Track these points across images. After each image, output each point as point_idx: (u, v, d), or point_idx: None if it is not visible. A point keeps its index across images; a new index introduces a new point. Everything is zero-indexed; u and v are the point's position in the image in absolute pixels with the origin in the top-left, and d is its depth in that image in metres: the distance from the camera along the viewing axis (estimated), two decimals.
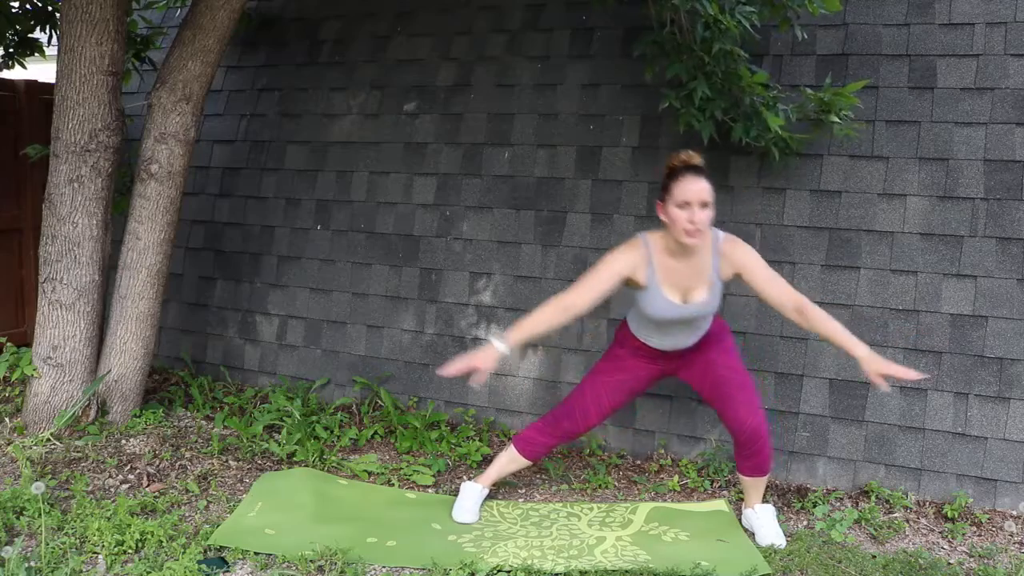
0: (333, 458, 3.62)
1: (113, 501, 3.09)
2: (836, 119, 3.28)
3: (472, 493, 3.19)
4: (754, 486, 3.09)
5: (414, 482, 3.50)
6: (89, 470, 3.37)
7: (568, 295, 2.79)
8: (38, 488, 2.66)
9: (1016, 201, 3.30)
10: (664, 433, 3.71)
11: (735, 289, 3.62)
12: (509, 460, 3.20)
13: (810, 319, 2.77)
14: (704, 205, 2.70)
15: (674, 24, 3.26)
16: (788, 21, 3.37)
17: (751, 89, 3.25)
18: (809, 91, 3.30)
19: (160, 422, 3.91)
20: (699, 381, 3.03)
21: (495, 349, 2.72)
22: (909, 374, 2.68)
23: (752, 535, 3.05)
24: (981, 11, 3.43)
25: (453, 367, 2.71)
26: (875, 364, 2.70)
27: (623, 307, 3.79)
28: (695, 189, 2.69)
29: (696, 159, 2.79)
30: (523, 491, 3.46)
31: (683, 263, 2.81)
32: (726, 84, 3.29)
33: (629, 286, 2.88)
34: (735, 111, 3.39)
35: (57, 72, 3.56)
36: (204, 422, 4.02)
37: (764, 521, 3.05)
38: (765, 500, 3.27)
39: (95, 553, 2.73)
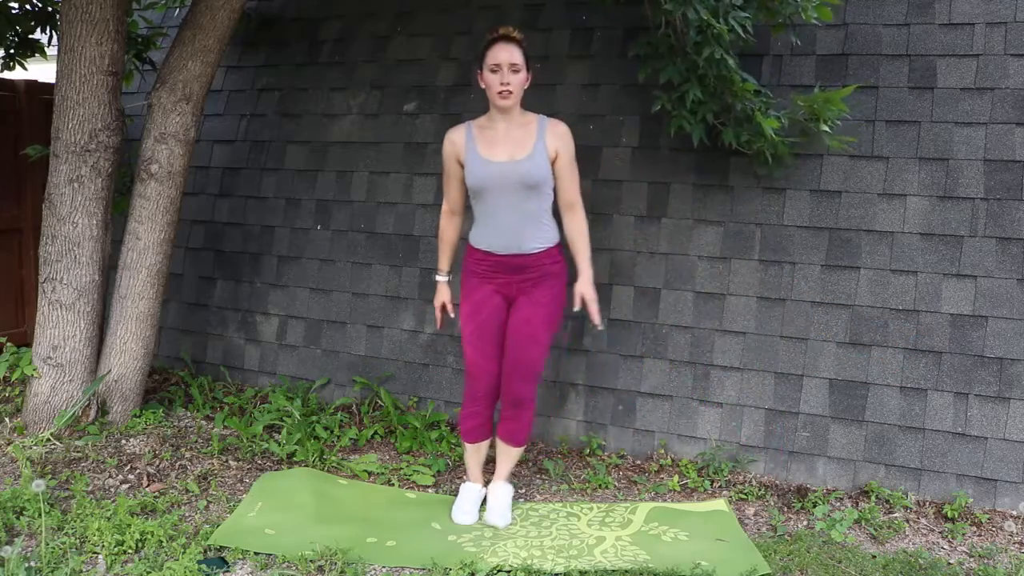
0: (333, 458, 3.62)
1: (113, 501, 3.09)
2: (826, 128, 3.28)
3: (471, 494, 3.19)
4: (505, 455, 3.18)
5: (414, 482, 3.50)
6: (89, 470, 3.37)
7: (444, 203, 3.20)
8: (38, 486, 2.66)
9: (1016, 201, 3.30)
10: (664, 433, 3.71)
11: (735, 289, 3.62)
12: (471, 453, 3.24)
13: (568, 222, 3.10)
14: (514, 68, 2.93)
15: (669, 26, 3.26)
16: (783, 26, 3.37)
17: (742, 95, 3.26)
18: (798, 98, 3.30)
19: (160, 422, 3.91)
20: (512, 328, 3.08)
21: (441, 282, 3.25)
22: (595, 317, 3.08)
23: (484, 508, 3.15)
24: (981, 11, 3.43)
25: (438, 321, 3.26)
26: (582, 287, 3.07)
27: (630, 312, 3.79)
28: (504, 55, 2.92)
29: (513, 32, 2.98)
30: (523, 491, 3.46)
31: (504, 129, 3.01)
32: (719, 88, 3.30)
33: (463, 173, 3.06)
34: (726, 115, 3.39)
35: (57, 72, 3.56)
36: (204, 422, 4.02)
37: (500, 499, 3.14)
38: (763, 500, 3.26)
39: (95, 553, 2.73)
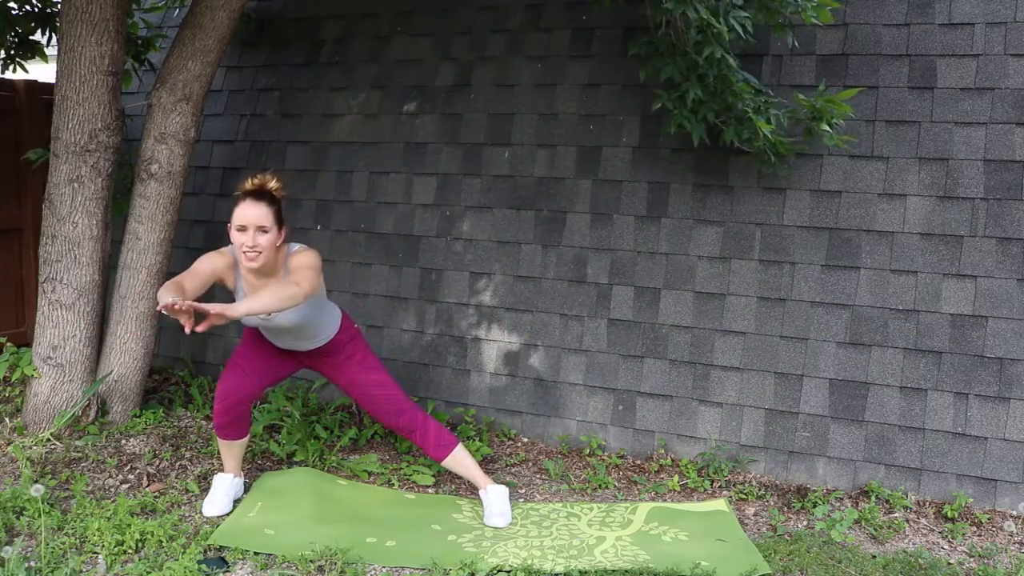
0: (333, 458, 3.62)
1: (113, 501, 3.09)
2: (827, 127, 3.28)
3: (221, 483, 3.19)
4: (460, 467, 3.21)
5: (414, 482, 3.50)
6: (89, 470, 3.37)
7: (181, 278, 2.77)
8: (37, 491, 2.66)
9: (1016, 201, 3.30)
10: (664, 433, 3.71)
11: (735, 289, 3.62)
12: (222, 447, 3.20)
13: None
14: (262, 230, 2.79)
15: (669, 26, 3.26)
16: (782, 26, 3.37)
17: (741, 95, 3.26)
18: (801, 97, 3.30)
19: (160, 422, 3.91)
20: (345, 388, 3.18)
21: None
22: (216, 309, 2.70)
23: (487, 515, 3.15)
24: (981, 11, 3.43)
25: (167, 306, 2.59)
26: (225, 307, 2.62)
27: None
28: (251, 215, 2.78)
29: (267, 182, 2.86)
30: (523, 491, 3.46)
31: (262, 280, 2.91)
32: (719, 87, 3.30)
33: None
34: (727, 114, 3.39)
35: (57, 72, 3.56)
36: (204, 422, 4.02)
37: (495, 501, 3.15)
38: (763, 500, 3.26)
39: (95, 553, 2.73)
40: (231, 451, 3.20)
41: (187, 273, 2.84)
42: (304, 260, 2.88)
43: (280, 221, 2.87)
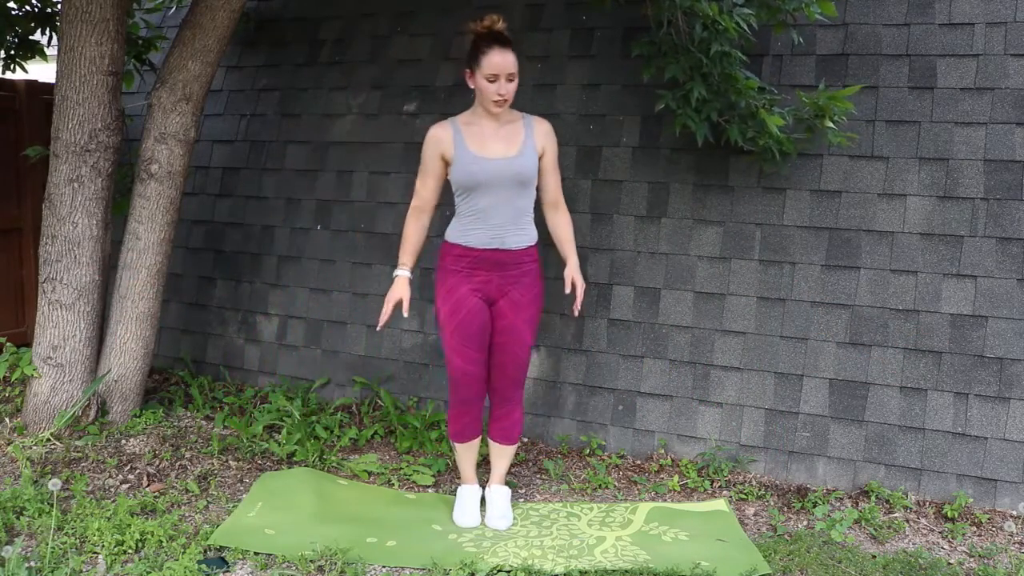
0: (333, 458, 3.62)
1: (113, 501, 3.09)
2: (831, 124, 3.28)
3: (472, 496, 3.19)
4: (498, 455, 3.17)
5: (414, 482, 3.50)
6: (89, 470, 3.37)
7: (414, 199, 3.06)
8: (55, 485, 2.69)
9: (1016, 201, 3.30)
10: (664, 433, 3.71)
11: (735, 289, 3.62)
12: (461, 453, 3.21)
13: (554, 218, 3.09)
14: (511, 78, 2.85)
15: (671, 25, 3.26)
16: (784, 24, 3.37)
17: (746, 92, 3.26)
18: (803, 96, 3.30)
19: (160, 422, 3.91)
20: (497, 332, 3.03)
21: (402, 277, 3.02)
22: (578, 303, 3.08)
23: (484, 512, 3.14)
24: (981, 11, 3.43)
25: (383, 317, 3.00)
26: (573, 272, 3.08)
27: (630, 312, 3.79)
28: (504, 62, 2.83)
29: (501, 24, 2.88)
30: (523, 491, 3.46)
31: (491, 128, 2.95)
32: (723, 86, 3.30)
33: (447, 170, 2.99)
34: (730, 113, 3.39)
35: (57, 72, 3.56)
36: (204, 422, 4.02)
37: (498, 501, 3.13)
38: (763, 500, 3.27)
39: (95, 553, 2.73)
40: (473, 454, 3.20)
41: (420, 179, 3.03)
42: (555, 142, 3.05)
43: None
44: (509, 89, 2.86)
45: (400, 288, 3.01)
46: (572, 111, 4.00)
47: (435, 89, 4.30)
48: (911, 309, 3.39)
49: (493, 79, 2.84)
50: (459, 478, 3.33)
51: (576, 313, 3.12)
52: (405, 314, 3.03)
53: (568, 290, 3.08)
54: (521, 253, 3.00)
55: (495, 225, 2.95)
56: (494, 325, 3.04)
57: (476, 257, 2.97)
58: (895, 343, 3.40)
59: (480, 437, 3.22)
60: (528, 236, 3.02)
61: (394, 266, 4.21)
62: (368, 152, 4.38)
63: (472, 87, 2.93)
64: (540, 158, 2.99)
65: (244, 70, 4.83)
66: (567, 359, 3.88)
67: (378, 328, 3.06)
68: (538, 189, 3.05)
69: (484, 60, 2.84)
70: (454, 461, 3.67)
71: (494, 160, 2.91)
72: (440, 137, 2.97)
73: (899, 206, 3.45)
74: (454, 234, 3.02)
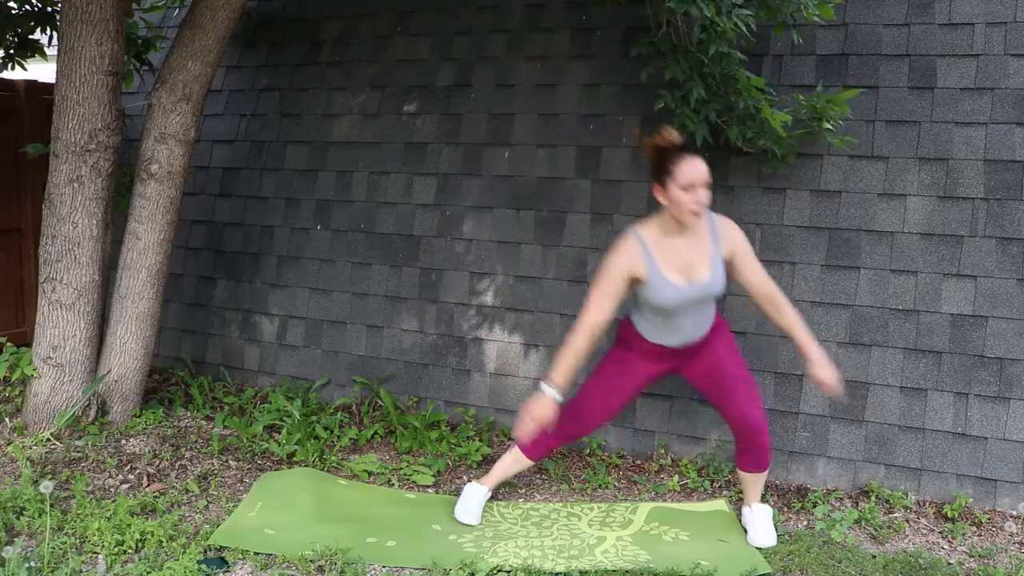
0: (333, 458, 3.62)
1: (113, 501, 3.09)
2: (828, 126, 3.28)
3: (476, 494, 3.18)
4: (752, 482, 3.09)
5: (414, 482, 3.50)
6: (89, 470, 3.37)
7: (588, 317, 2.79)
8: (46, 487, 2.67)
9: (1016, 201, 3.30)
10: (664, 433, 3.71)
11: (735, 289, 3.62)
12: (513, 461, 3.19)
13: (777, 316, 2.89)
14: (707, 185, 2.73)
15: (671, 26, 3.26)
16: (784, 25, 3.37)
17: (748, 92, 3.26)
18: (801, 98, 3.30)
19: (160, 422, 3.91)
20: (702, 378, 3.01)
21: (549, 397, 2.81)
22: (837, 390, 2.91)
23: (746, 532, 3.06)
24: (981, 11, 3.43)
25: (523, 429, 2.83)
26: (819, 370, 2.85)
27: (579, 308, 3.79)
28: (699, 171, 2.71)
29: (677, 136, 2.80)
30: (523, 491, 3.46)
31: (681, 244, 2.81)
32: (723, 86, 3.30)
33: (634, 286, 2.85)
34: (729, 114, 3.39)
35: (57, 72, 3.56)
36: (204, 422, 4.02)
37: (759, 520, 3.05)
38: (764, 500, 3.27)
39: (95, 553, 2.73)
40: (516, 468, 3.19)
41: (600, 300, 2.77)
42: (742, 237, 2.88)
43: None
44: (705, 199, 2.73)
45: (546, 408, 2.82)
46: (572, 111, 4.00)
47: (435, 89, 4.30)
48: (911, 309, 3.39)
49: (690, 189, 2.70)
50: (459, 477, 3.33)
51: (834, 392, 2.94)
52: (548, 431, 2.94)
53: (824, 392, 2.93)
54: (707, 333, 2.99)
55: (687, 331, 2.91)
56: (692, 378, 3.04)
57: (664, 351, 2.97)
58: (895, 343, 3.40)
59: (533, 465, 3.26)
60: (711, 321, 2.97)
61: (393, 266, 4.26)
62: (368, 152, 4.38)
63: (663, 201, 2.76)
64: (730, 260, 2.86)
65: (244, 70, 4.83)
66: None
67: (519, 436, 2.91)
68: (744, 284, 2.93)
69: (678, 171, 2.70)
70: (454, 461, 3.67)
71: (689, 287, 2.79)
72: (632, 262, 2.78)
73: (899, 206, 3.45)
74: (644, 330, 2.95)
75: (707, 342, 2.98)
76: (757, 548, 2.95)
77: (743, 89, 3.24)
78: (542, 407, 2.80)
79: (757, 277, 2.88)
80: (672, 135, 2.78)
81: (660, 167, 2.76)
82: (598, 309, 2.78)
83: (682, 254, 2.80)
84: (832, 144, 3.38)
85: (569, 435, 3.11)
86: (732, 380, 2.96)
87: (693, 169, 2.70)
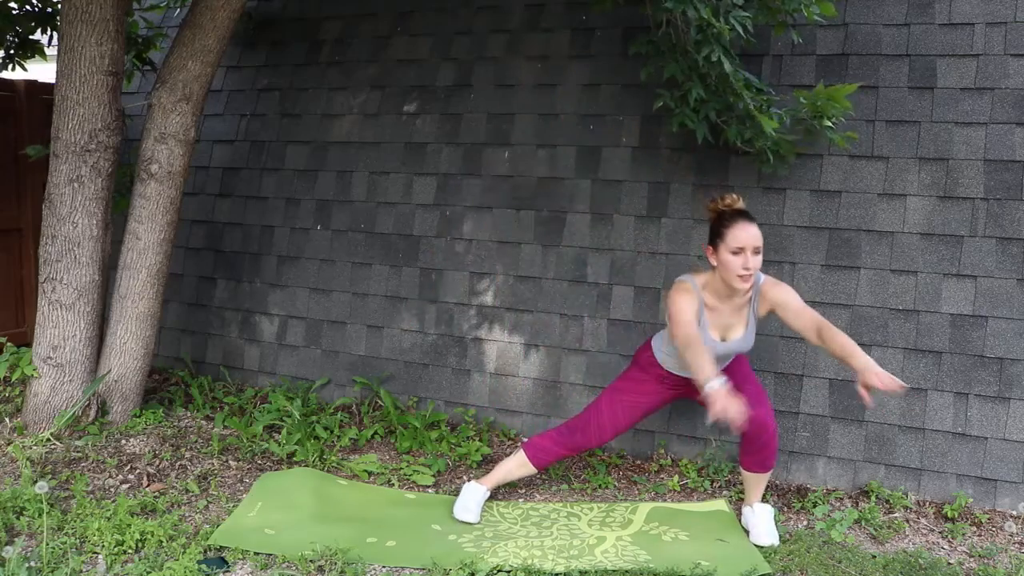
0: (333, 458, 3.62)
1: (113, 501, 3.09)
2: (829, 123, 3.28)
3: (475, 494, 3.18)
4: (755, 482, 3.09)
5: (414, 482, 3.50)
6: (89, 470, 3.37)
7: (690, 329, 2.77)
8: (41, 488, 2.66)
9: (1016, 201, 3.30)
10: (664, 433, 3.71)
11: None
12: (518, 466, 3.20)
13: (829, 342, 2.73)
14: (757, 251, 2.75)
15: (670, 25, 3.26)
16: (784, 25, 3.37)
17: (741, 93, 3.26)
18: (802, 95, 3.30)
19: (160, 422, 3.91)
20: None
21: (720, 387, 2.61)
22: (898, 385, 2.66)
23: (747, 533, 3.05)
24: (981, 11, 3.43)
25: (732, 416, 2.58)
26: (871, 377, 2.59)
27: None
28: (750, 235, 2.74)
29: (741, 203, 2.84)
30: (523, 491, 3.46)
31: (727, 304, 2.88)
32: (720, 86, 3.30)
33: None
34: (728, 113, 3.39)
35: (57, 72, 3.56)
36: (204, 422, 4.02)
37: (760, 520, 3.05)
38: (765, 500, 3.27)
39: (95, 553, 2.73)
40: (519, 473, 3.22)
41: (689, 332, 2.74)
42: (788, 295, 2.85)
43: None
44: (756, 263, 2.75)
45: (726, 394, 2.63)
46: (572, 111, 4.00)
47: (435, 89, 4.30)
48: (911, 309, 3.39)
49: (739, 252, 2.73)
50: (459, 477, 3.34)
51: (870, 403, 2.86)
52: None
53: (867, 402, 2.78)
54: None
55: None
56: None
57: (683, 381, 3.03)
58: (895, 343, 3.40)
59: (538, 472, 3.27)
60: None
61: (393, 266, 4.26)
62: (368, 152, 4.38)
63: (714, 264, 2.82)
64: (774, 312, 2.88)
65: (244, 70, 4.83)
66: (567, 359, 3.88)
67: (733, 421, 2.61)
68: (795, 330, 2.89)
69: (729, 233, 2.75)
70: (454, 461, 3.67)
71: (722, 345, 2.89)
72: (694, 307, 2.84)
73: (899, 206, 3.45)
74: (663, 360, 3.03)
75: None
76: (760, 546, 2.95)
77: (738, 91, 3.24)
78: (723, 395, 2.58)
79: (802, 321, 2.80)
80: (733, 200, 2.82)
81: (713, 229, 2.82)
82: (692, 327, 2.77)
83: (724, 314, 2.88)
84: (833, 142, 3.37)
85: (577, 447, 3.15)
86: (737, 379, 2.97)
87: (744, 233, 2.74)
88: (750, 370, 3.06)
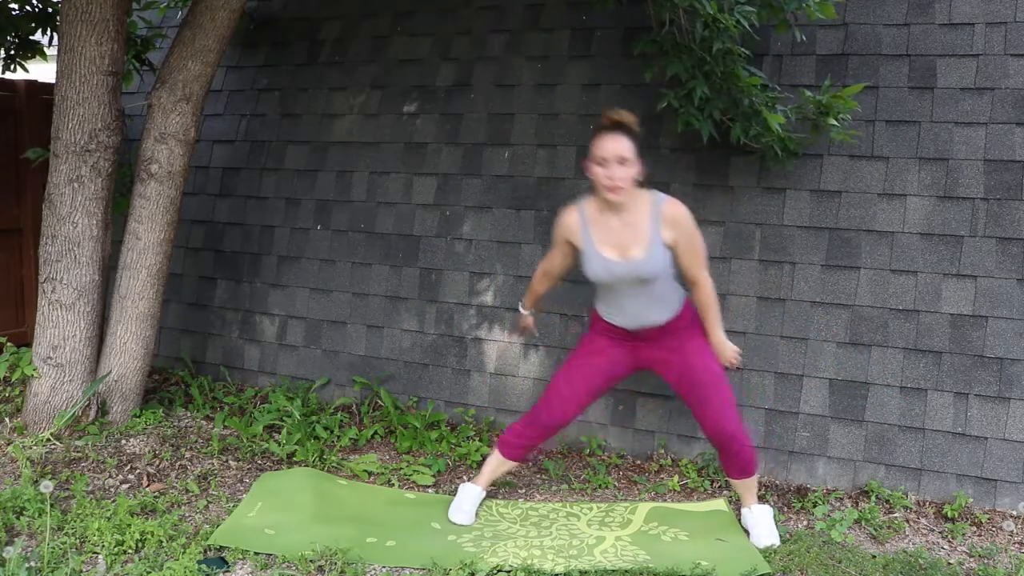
0: (333, 458, 3.62)
1: (113, 501, 3.09)
2: (834, 122, 3.28)
3: (469, 494, 3.18)
4: (745, 488, 3.09)
5: (414, 482, 3.50)
6: (89, 470, 3.37)
7: (544, 262, 3.15)
8: (46, 487, 2.67)
9: (1016, 201, 3.30)
10: (664, 433, 3.71)
11: (735, 289, 3.62)
12: (498, 463, 3.20)
13: (694, 296, 2.97)
14: (622, 162, 2.75)
15: (673, 24, 3.26)
16: (786, 23, 3.37)
17: (748, 90, 3.26)
18: (808, 93, 3.30)
19: (160, 422, 3.91)
20: (676, 381, 3.01)
21: (524, 314, 3.30)
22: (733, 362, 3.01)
23: (748, 534, 3.05)
24: (981, 11, 3.43)
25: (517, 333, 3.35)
26: (722, 353, 2.99)
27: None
28: (613, 146, 2.75)
29: (624, 117, 2.81)
30: (523, 491, 3.46)
31: (616, 221, 2.85)
32: (725, 84, 3.29)
33: (577, 254, 2.96)
34: (734, 111, 3.39)
35: (57, 72, 3.56)
36: (204, 422, 4.02)
37: (759, 521, 3.04)
38: (764, 501, 3.27)
39: (95, 553, 2.73)
40: (502, 469, 3.22)
41: (552, 250, 3.07)
42: (689, 224, 2.85)
43: (638, 156, 2.80)
44: (619, 174, 2.74)
45: (523, 320, 3.34)
46: (572, 111, 4.00)
47: (435, 89, 4.30)
48: (911, 309, 3.39)
49: (603, 162, 2.76)
50: (459, 477, 3.34)
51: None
52: (535, 333, 3.30)
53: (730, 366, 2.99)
54: (669, 324, 2.96)
55: (632, 312, 2.94)
56: (669, 379, 3.03)
57: (625, 333, 3.01)
58: (895, 343, 3.40)
59: (519, 464, 3.28)
60: (671, 308, 2.95)
61: (393, 266, 4.26)
62: (368, 152, 4.38)
63: (590, 177, 2.84)
64: (673, 247, 2.86)
65: (244, 70, 4.83)
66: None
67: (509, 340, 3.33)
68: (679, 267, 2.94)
69: (594, 145, 2.79)
70: (454, 461, 3.67)
71: (618, 263, 2.84)
72: (568, 224, 2.93)
73: (899, 206, 3.45)
74: (601, 310, 3.05)
75: (678, 341, 2.97)
76: (762, 548, 2.94)
77: (744, 87, 3.24)
78: (520, 321, 3.31)
79: (686, 264, 2.89)
80: (613, 115, 2.83)
81: (592, 139, 2.84)
82: (550, 256, 3.10)
83: (616, 231, 2.85)
84: (837, 139, 3.36)
85: (545, 427, 3.10)
86: (705, 388, 2.94)
87: (607, 143, 2.76)
88: (717, 374, 2.96)
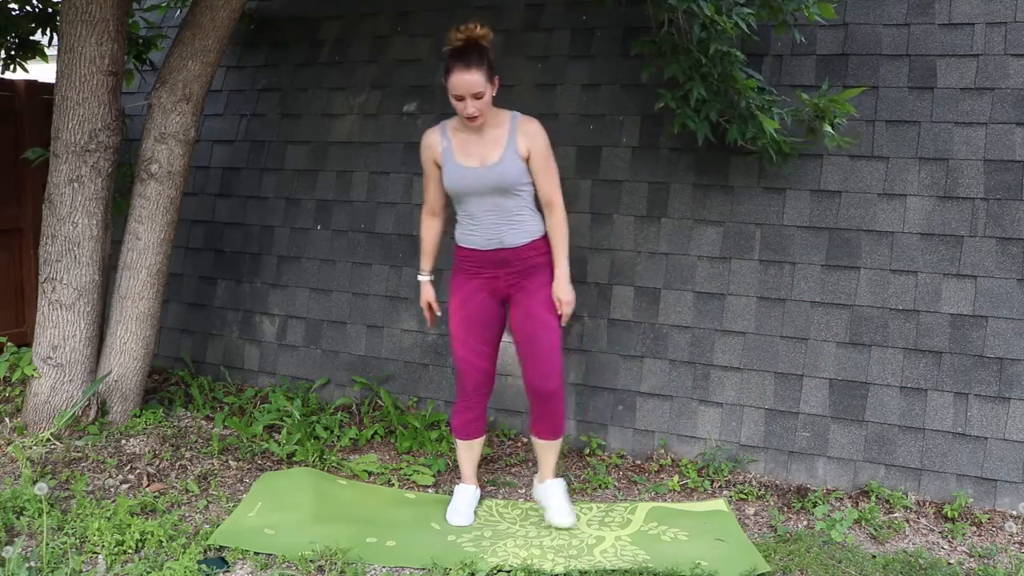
0: (333, 458, 3.62)
1: (113, 501, 3.09)
2: (829, 128, 3.28)
3: (464, 495, 3.20)
4: (546, 451, 3.14)
5: (414, 482, 3.50)
6: (89, 470, 3.37)
7: (424, 204, 3.17)
8: (41, 489, 2.66)
9: (1016, 201, 3.30)
10: (664, 433, 3.71)
11: (735, 289, 3.62)
12: (465, 449, 3.23)
13: (547, 221, 3.03)
14: (478, 96, 2.81)
15: (672, 25, 3.26)
16: (786, 24, 3.37)
17: (745, 92, 3.26)
18: (804, 96, 3.30)
19: (160, 422, 3.91)
20: (517, 324, 3.05)
21: (423, 282, 3.23)
22: (565, 316, 3.04)
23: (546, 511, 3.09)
24: (981, 11, 3.43)
25: (428, 320, 3.26)
26: (556, 289, 3.01)
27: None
28: (463, 83, 2.80)
29: (472, 32, 2.84)
30: (523, 491, 3.46)
31: (477, 135, 2.95)
32: (722, 86, 3.30)
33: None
34: (731, 113, 3.39)
35: (57, 72, 3.56)
36: (204, 422, 4.02)
37: (552, 496, 3.09)
38: (760, 499, 3.27)
39: (95, 553, 2.73)
40: (472, 453, 3.23)
41: (426, 185, 3.11)
42: (543, 141, 2.97)
43: (492, 74, 2.86)
44: (476, 107, 2.83)
45: (425, 292, 3.25)
46: (572, 111, 4.00)
47: (435, 89, 4.30)
48: (911, 309, 3.39)
49: (459, 99, 2.83)
50: (459, 477, 3.34)
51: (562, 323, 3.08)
52: (438, 312, 3.21)
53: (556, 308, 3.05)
54: (523, 249, 3.00)
55: (488, 227, 2.99)
56: (512, 319, 3.07)
57: (480, 257, 3.03)
58: (895, 343, 3.40)
59: (483, 439, 3.24)
60: (527, 232, 3.01)
61: (393, 266, 4.26)
62: (368, 152, 4.38)
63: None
64: (528, 159, 2.96)
65: (244, 70, 4.83)
66: (567, 359, 3.87)
67: (429, 326, 3.37)
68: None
69: (448, 81, 2.84)
70: (454, 461, 3.67)
71: (474, 169, 2.94)
72: (431, 143, 3.04)
73: (899, 206, 3.45)
74: (458, 236, 3.09)
75: (528, 285, 3.01)
76: (557, 527, 3.01)
77: (741, 89, 3.24)
78: (422, 293, 3.24)
79: (540, 182, 2.99)
80: (461, 32, 2.86)
81: (444, 68, 2.87)
82: (425, 192, 3.15)
83: (476, 144, 2.95)
84: (831, 146, 3.37)
85: (470, 393, 3.13)
86: (539, 343, 3.00)
87: (458, 81, 2.80)
88: (552, 328, 3.02)
